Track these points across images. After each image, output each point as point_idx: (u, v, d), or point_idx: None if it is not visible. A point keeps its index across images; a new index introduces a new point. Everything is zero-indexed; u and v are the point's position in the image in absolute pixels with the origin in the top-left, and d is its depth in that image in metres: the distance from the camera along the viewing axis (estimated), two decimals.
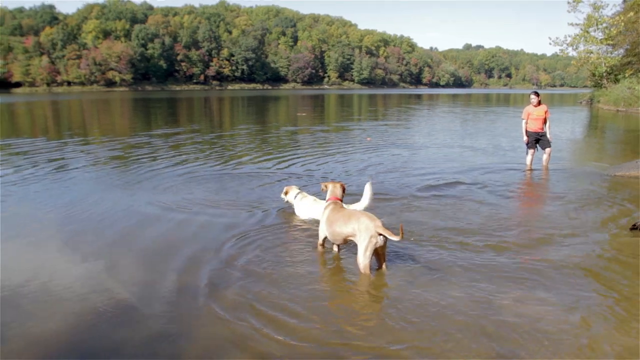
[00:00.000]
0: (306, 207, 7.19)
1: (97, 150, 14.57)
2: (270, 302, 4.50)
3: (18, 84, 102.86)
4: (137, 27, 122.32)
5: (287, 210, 7.51)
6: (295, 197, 7.36)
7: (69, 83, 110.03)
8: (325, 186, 6.03)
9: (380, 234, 4.89)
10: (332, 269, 5.39)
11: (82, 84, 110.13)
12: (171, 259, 5.53)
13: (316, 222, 6.61)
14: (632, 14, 37.40)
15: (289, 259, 5.57)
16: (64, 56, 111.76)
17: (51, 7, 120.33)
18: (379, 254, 5.07)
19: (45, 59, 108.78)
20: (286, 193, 7.51)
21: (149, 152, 13.71)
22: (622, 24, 38.74)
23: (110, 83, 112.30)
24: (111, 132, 20.45)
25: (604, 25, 42.66)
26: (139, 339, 3.91)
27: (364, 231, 4.96)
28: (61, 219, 7.20)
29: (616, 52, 43.58)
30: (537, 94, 11.32)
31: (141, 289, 4.82)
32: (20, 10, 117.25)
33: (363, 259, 4.95)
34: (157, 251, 5.84)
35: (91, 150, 14.53)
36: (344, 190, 5.98)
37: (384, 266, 5.13)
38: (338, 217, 5.41)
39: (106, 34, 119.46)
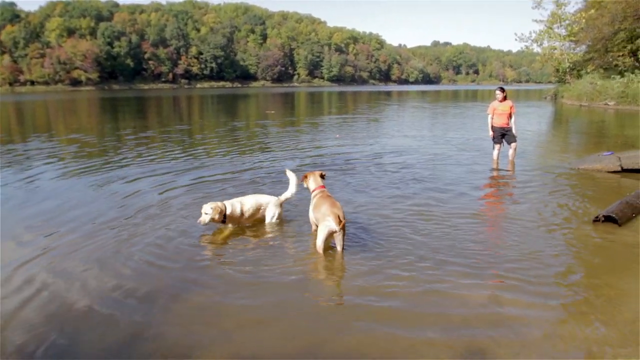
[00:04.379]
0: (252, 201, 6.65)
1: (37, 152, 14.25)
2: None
3: None
4: (102, 25, 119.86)
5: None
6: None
7: (32, 82, 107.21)
8: (306, 176, 6.34)
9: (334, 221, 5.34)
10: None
11: (46, 83, 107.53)
12: None
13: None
14: (592, 11, 38.40)
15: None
16: (26, 55, 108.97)
17: (12, 4, 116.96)
18: (336, 239, 5.52)
19: (6, 58, 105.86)
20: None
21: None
22: (584, 20, 39.74)
23: (76, 82, 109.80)
24: (76, 132, 20.04)
25: (567, 22, 43.62)
26: None
27: (320, 217, 5.54)
28: None
29: (579, 48, 44.68)
30: (502, 90, 11.51)
31: None
32: None
33: (317, 239, 5.49)
34: None
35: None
36: (322, 177, 6.34)
37: (339, 248, 5.55)
38: (315, 205, 5.89)
39: (70, 32, 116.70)
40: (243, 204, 6.56)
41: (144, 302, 4.50)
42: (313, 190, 6.12)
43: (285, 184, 7.42)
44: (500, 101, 11.40)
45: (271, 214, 6.71)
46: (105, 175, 10.34)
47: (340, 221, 5.33)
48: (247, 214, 6.57)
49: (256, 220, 6.73)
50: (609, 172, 10.02)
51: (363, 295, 4.60)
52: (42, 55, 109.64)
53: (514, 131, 11.41)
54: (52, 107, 41.92)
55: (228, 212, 6.37)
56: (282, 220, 6.83)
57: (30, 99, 58.64)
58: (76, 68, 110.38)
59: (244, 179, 9.79)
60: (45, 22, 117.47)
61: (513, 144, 11.47)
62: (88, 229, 6.57)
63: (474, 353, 3.67)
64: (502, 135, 11.48)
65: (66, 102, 50.25)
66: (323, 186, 6.14)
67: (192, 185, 9.21)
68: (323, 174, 6.40)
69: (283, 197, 6.83)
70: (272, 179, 9.64)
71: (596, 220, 6.61)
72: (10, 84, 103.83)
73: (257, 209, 6.67)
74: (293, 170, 7.12)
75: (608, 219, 6.53)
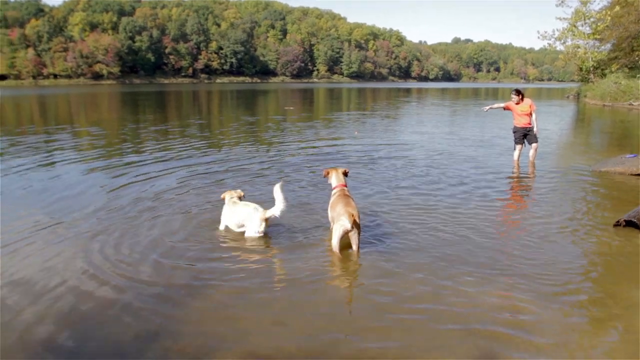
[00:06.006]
0: (229, 213, 6.27)
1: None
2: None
3: (3, 77, 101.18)
4: (124, 19, 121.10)
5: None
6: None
7: (55, 76, 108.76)
8: (328, 172, 6.30)
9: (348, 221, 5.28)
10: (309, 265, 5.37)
11: (68, 77, 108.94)
12: None
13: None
14: (618, 8, 37.62)
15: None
16: (50, 49, 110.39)
17: None
18: (351, 238, 5.49)
19: (31, 51, 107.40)
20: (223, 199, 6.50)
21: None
22: (609, 18, 38.97)
23: (98, 76, 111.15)
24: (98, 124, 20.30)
25: (592, 20, 42.88)
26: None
27: (335, 217, 5.50)
28: None
29: (603, 47, 43.90)
30: (517, 93, 11.19)
31: None
32: (5, 2, 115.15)
33: (332, 239, 5.47)
34: None
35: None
36: (346, 174, 6.28)
37: (354, 248, 5.52)
38: (332, 204, 5.84)
39: (93, 27, 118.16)
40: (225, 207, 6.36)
41: (153, 301, 4.50)
42: (333, 188, 6.10)
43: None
44: (517, 103, 11.19)
45: (252, 228, 6.06)
46: (113, 166, 10.69)
47: (355, 220, 5.30)
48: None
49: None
50: (631, 175, 9.83)
51: (379, 296, 4.58)
52: (65, 49, 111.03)
53: (535, 130, 11.22)
54: (74, 100, 42.46)
55: None
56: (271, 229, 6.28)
57: (52, 92, 59.48)
58: (98, 62, 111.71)
59: (251, 172, 10.01)
60: (69, 16, 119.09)
61: (534, 145, 11.30)
62: (89, 220, 6.76)
63: (489, 358, 3.64)
64: (524, 135, 11.28)
65: (88, 95, 50.88)
66: (344, 184, 6.09)
67: (201, 176, 9.30)
68: (346, 171, 6.36)
69: (268, 213, 6.01)
70: (279, 174, 9.70)
71: (617, 224, 6.50)
72: (34, 77, 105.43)
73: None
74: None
75: (629, 224, 6.41)
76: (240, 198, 6.40)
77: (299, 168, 10.63)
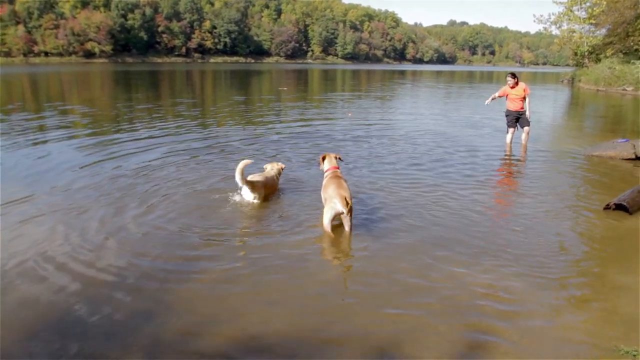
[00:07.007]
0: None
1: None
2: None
3: None
4: None
5: None
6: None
7: (46, 54, 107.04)
8: (323, 158, 6.44)
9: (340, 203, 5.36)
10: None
11: (60, 54, 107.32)
12: None
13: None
14: None
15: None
16: (40, 26, 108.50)
17: None
18: (343, 220, 5.58)
19: (21, 28, 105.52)
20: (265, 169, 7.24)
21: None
22: (604, 3, 38.79)
23: (90, 54, 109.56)
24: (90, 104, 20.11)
25: (587, 4, 42.69)
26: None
27: (328, 198, 5.58)
28: None
29: (598, 32, 43.75)
30: (513, 76, 11.19)
31: None
32: None
33: (323, 219, 5.49)
34: None
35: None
36: (338, 159, 6.44)
37: (347, 229, 5.60)
38: (324, 185, 5.92)
39: (84, 4, 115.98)
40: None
41: (142, 281, 4.48)
42: (326, 171, 6.19)
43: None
44: (512, 87, 11.18)
45: (244, 195, 6.60)
46: (96, 143, 10.81)
47: (347, 203, 5.32)
48: None
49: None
50: (623, 159, 9.89)
51: (370, 277, 4.62)
52: (56, 27, 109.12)
53: (527, 114, 11.24)
54: (65, 78, 41.94)
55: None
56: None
57: (44, 70, 58.71)
58: (90, 40, 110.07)
59: (238, 150, 9.93)
60: None
61: (526, 128, 11.32)
62: (66, 196, 6.78)
63: (476, 338, 3.68)
64: (517, 118, 11.31)
65: (80, 74, 50.27)
66: (337, 167, 6.19)
67: (183, 154, 9.26)
68: (338, 156, 6.50)
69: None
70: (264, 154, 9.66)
71: (607, 208, 6.56)
72: (25, 55, 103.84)
73: None
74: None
75: (619, 207, 6.47)
76: (280, 170, 7.16)
77: (290, 147, 10.61)
